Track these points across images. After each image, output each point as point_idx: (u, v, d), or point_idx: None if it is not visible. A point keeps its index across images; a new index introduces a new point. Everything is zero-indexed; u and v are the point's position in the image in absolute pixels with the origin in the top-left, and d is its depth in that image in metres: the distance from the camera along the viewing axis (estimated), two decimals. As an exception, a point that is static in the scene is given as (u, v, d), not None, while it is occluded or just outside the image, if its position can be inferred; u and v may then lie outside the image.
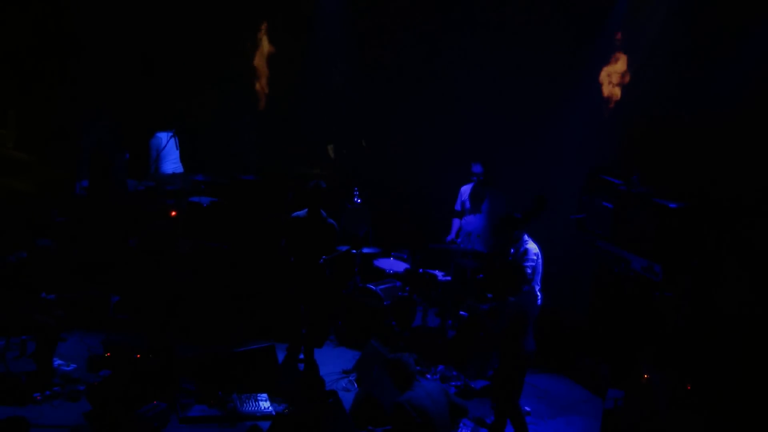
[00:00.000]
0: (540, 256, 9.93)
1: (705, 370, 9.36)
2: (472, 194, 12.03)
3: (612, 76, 12.20)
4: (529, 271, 9.78)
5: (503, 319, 8.56)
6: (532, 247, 9.86)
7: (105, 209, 11.73)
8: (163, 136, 12.92)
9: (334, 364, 10.61)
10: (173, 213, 11.90)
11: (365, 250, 11.85)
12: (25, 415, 8.40)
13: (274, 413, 9.01)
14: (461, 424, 8.96)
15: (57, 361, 9.59)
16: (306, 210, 9.90)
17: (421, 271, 11.60)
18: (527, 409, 9.65)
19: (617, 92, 12.12)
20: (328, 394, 9.57)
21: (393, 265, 11.98)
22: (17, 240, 9.96)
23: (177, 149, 13.12)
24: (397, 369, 7.72)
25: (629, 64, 12.04)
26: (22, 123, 12.41)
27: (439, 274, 11.67)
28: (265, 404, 9.16)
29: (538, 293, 9.71)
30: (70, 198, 12.17)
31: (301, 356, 10.28)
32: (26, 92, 12.41)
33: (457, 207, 12.24)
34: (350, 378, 10.25)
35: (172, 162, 13.09)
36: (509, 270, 8.82)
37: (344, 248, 10.97)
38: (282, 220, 10.38)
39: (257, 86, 14.66)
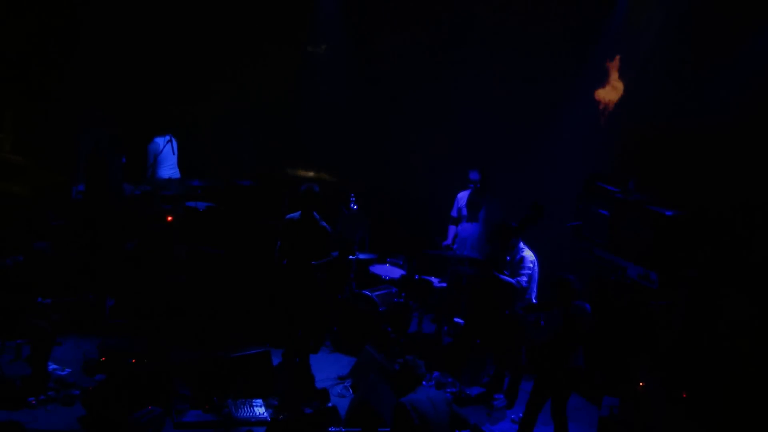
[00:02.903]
0: (536, 263, 9.93)
1: (701, 378, 9.37)
2: (469, 201, 12.03)
3: (609, 84, 12.22)
4: (525, 279, 9.79)
5: (546, 331, 8.56)
6: (528, 254, 9.87)
7: (101, 213, 11.73)
8: (161, 141, 12.93)
9: (329, 370, 10.60)
10: (169, 218, 11.90)
11: (361, 256, 11.82)
12: (20, 420, 8.39)
13: (269, 419, 9.01)
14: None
15: (52, 366, 9.56)
16: (299, 213, 9.88)
17: (417, 277, 11.59)
18: (522, 416, 9.65)
19: (614, 99, 12.13)
20: (321, 395, 9.60)
21: (389, 271, 11.97)
22: (13, 243, 9.95)
23: (174, 154, 13.12)
24: (406, 370, 7.71)
25: (626, 71, 12.06)
26: (19, 126, 12.42)
27: (434, 280, 11.68)
28: (260, 410, 9.14)
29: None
30: (67, 202, 12.18)
31: (296, 361, 10.27)
32: (23, 95, 12.42)
33: (453, 213, 12.24)
34: (345, 384, 10.23)
35: (169, 167, 13.08)
36: (556, 284, 8.77)
37: (335, 254, 10.96)
38: (279, 226, 10.37)
39: (256, 91, 14.68)
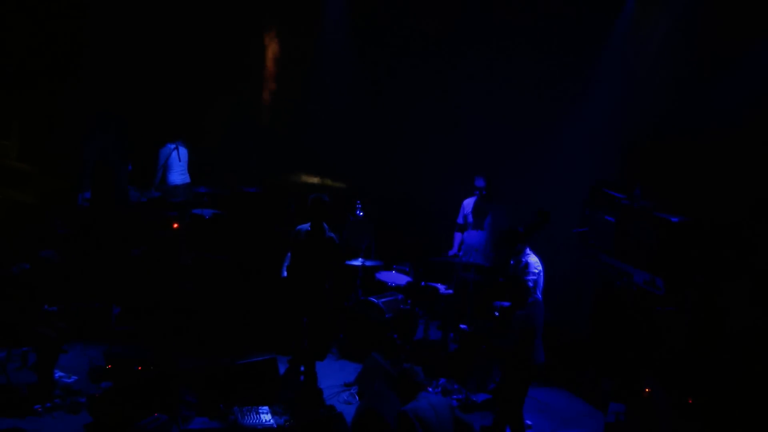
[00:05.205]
0: (541, 269, 9.92)
1: (707, 384, 9.35)
2: (475, 208, 12.03)
3: (613, 90, 12.21)
4: (530, 284, 9.76)
5: (513, 334, 8.60)
6: (533, 260, 9.83)
7: (107, 220, 11.75)
8: (171, 147, 12.99)
9: (335, 377, 10.60)
10: (175, 225, 11.91)
11: (367, 263, 11.83)
12: (26, 427, 8.40)
13: (275, 426, 9.00)
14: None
15: (58, 373, 9.57)
16: (309, 224, 9.87)
17: (423, 284, 11.60)
18: (529, 422, 9.63)
19: (619, 106, 12.12)
20: (327, 406, 9.59)
21: (395, 278, 11.97)
22: (20, 251, 9.98)
23: (181, 161, 13.14)
24: (405, 378, 7.72)
25: (632, 78, 12.05)
26: (25, 134, 12.45)
27: (441, 287, 11.68)
28: (266, 417, 9.13)
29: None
30: (73, 209, 12.19)
31: (303, 368, 10.27)
32: (29, 103, 12.44)
33: (459, 220, 12.24)
34: (352, 391, 10.23)
35: (177, 173, 13.12)
36: (513, 284, 8.85)
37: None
38: (285, 233, 10.37)
39: (263, 98, 14.71)
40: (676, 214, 10.19)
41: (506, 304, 9.03)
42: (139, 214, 12.15)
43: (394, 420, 7.66)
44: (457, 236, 12.27)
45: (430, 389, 10.34)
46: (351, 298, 11.71)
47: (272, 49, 14.74)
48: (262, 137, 14.69)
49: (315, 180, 14.38)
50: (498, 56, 13.02)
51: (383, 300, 11.32)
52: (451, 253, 12.15)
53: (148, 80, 13.41)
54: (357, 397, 10.04)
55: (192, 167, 13.51)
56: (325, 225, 9.83)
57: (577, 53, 12.41)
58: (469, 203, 12.16)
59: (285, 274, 10.03)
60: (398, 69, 14.00)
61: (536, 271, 9.39)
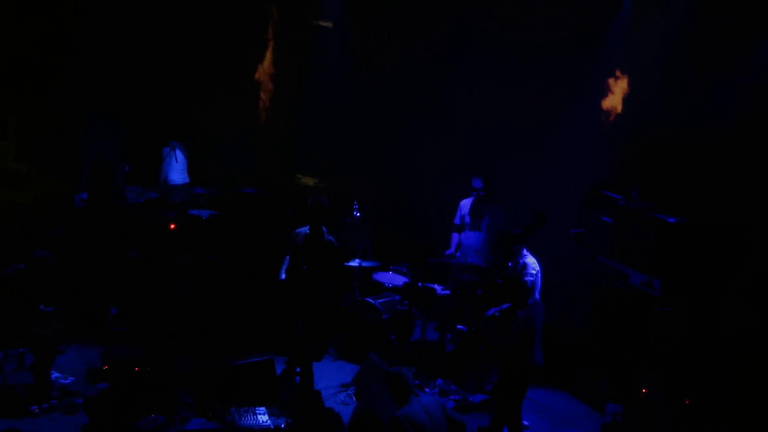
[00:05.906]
0: (539, 270, 9.91)
1: (704, 385, 9.36)
2: (472, 210, 12.02)
3: (612, 91, 12.22)
4: (529, 285, 9.77)
5: (513, 335, 8.61)
6: (531, 261, 9.83)
7: (104, 221, 11.74)
8: (168, 148, 13.01)
9: (332, 378, 10.59)
10: (172, 225, 11.90)
11: (364, 264, 11.82)
12: (23, 428, 8.39)
13: (272, 427, 9.00)
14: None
15: (55, 374, 9.56)
16: (308, 227, 9.82)
17: (420, 285, 11.58)
18: (526, 423, 9.62)
19: (617, 107, 12.12)
20: (324, 403, 9.59)
21: (392, 278, 11.96)
22: (15, 252, 9.96)
23: (179, 161, 13.14)
24: (395, 382, 7.72)
25: (629, 79, 12.05)
26: (21, 135, 12.43)
27: (438, 288, 11.67)
28: (263, 418, 9.13)
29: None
30: (70, 210, 12.19)
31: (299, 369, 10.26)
32: (26, 103, 12.43)
33: (456, 221, 12.23)
34: (349, 392, 10.22)
35: (178, 173, 13.12)
36: (513, 284, 8.84)
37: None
38: (283, 234, 10.35)
39: (260, 99, 14.71)
40: (673, 215, 10.18)
41: (504, 306, 9.03)
42: (136, 215, 12.14)
43: (388, 424, 7.66)
44: (454, 237, 12.26)
45: (427, 390, 10.34)
46: (348, 299, 11.71)
47: (270, 50, 14.74)
48: (260, 138, 14.69)
49: (312, 181, 14.37)
50: (495, 57, 13.00)
51: (380, 301, 11.31)
52: (447, 253, 12.14)
53: (146, 80, 13.41)
54: (354, 398, 10.03)
55: (190, 168, 13.50)
56: (323, 228, 9.80)
57: (575, 54, 12.40)
58: (466, 204, 12.15)
59: (283, 276, 10.01)
60: (396, 70, 13.99)
61: (534, 272, 9.40)
